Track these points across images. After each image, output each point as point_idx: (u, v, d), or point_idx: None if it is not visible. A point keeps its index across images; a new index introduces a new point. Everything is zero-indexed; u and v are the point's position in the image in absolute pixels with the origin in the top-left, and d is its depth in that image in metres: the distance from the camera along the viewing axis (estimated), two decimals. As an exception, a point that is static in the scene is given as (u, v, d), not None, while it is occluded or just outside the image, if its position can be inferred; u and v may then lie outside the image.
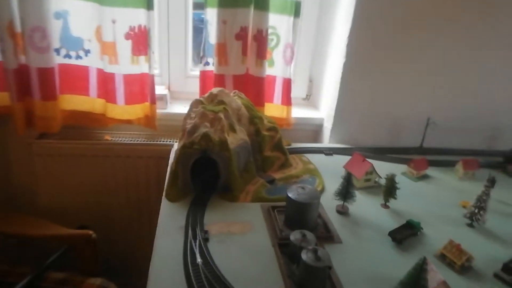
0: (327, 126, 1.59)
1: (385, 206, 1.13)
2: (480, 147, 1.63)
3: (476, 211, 1.06)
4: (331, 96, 1.55)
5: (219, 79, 1.42)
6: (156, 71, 1.61)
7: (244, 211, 1.07)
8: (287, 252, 0.90)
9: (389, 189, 1.10)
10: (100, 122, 1.47)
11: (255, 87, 1.45)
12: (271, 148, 1.29)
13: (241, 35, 1.37)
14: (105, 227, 1.58)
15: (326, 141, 1.59)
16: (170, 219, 1.02)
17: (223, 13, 1.33)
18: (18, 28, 1.27)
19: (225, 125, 1.13)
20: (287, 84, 1.51)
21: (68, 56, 1.39)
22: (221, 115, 1.13)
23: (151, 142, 1.49)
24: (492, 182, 1.06)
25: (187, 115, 1.20)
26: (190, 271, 0.82)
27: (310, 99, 1.76)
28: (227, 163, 1.10)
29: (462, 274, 0.90)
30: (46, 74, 1.32)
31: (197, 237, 0.93)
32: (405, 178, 1.33)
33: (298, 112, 1.65)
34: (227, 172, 1.11)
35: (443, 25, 1.41)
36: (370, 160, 1.38)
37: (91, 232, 1.31)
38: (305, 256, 0.78)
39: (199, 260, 0.85)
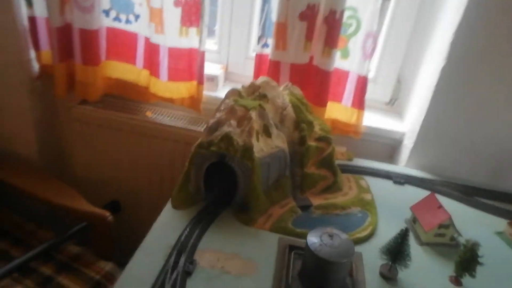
0: (407, 144, 1.22)
1: (456, 281, 0.79)
2: None
3: None
4: (420, 106, 1.18)
5: (274, 67, 1.16)
6: (214, 47, 1.42)
7: (255, 241, 0.83)
8: (283, 323, 0.64)
9: (466, 262, 0.75)
10: (144, 96, 1.33)
11: (318, 82, 1.16)
12: (317, 163, 1.01)
13: (307, 14, 1.07)
14: (134, 207, 1.49)
15: (403, 164, 1.24)
16: (164, 231, 0.83)
17: (288, -15, 1.06)
18: (65, -17, 1.16)
19: (254, 127, 0.88)
20: (363, 82, 1.18)
21: (118, 19, 1.26)
22: (252, 114, 0.89)
23: (191, 128, 1.31)
24: None
25: (218, 107, 0.97)
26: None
27: (395, 104, 1.39)
28: (248, 175, 0.87)
29: None
30: (88, 36, 1.21)
31: (178, 267, 0.72)
32: (500, 241, 0.93)
33: (374, 119, 1.31)
34: (247, 186, 0.88)
35: None
36: (455, 204, 1.03)
37: (108, 213, 1.20)
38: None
39: (163, 304, 0.65)
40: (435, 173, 1.18)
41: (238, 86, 1.00)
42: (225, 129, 0.87)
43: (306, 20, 1.08)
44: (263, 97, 0.97)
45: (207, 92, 1.31)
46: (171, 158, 1.36)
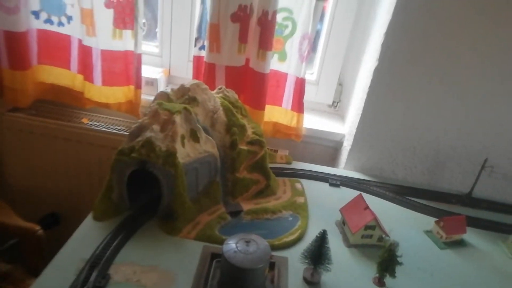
0: (346, 146, 1.23)
1: (379, 282, 0.78)
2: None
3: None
4: (356, 108, 1.19)
5: (210, 69, 1.14)
6: (155, 50, 1.38)
7: (177, 252, 0.80)
8: (193, 336, 0.61)
9: (385, 263, 0.75)
10: (79, 101, 1.28)
11: (255, 85, 1.15)
12: (249, 167, 0.99)
13: (240, 15, 1.06)
14: (75, 218, 1.41)
15: (342, 166, 1.24)
16: (80, 244, 0.79)
17: (220, -15, 1.04)
18: (-12, -18, 1.10)
19: (178, 131, 0.85)
20: (300, 85, 1.17)
21: (49, 21, 1.21)
22: (176, 118, 0.86)
23: (129, 133, 1.26)
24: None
25: (145, 111, 0.94)
26: None
27: (338, 107, 1.40)
28: (172, 182, 0.84)
29: None
30: (15, 39, 1.14)
31: (88, 283, 0.68)
32: (428, 240, 0.94)
33: (317, 122, 1.31)
34: (172, 193, 0.84)
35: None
36: (388, 204, 1.04)
37: (37, 227, 1.14)
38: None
39: (63, 324, 0.61)
40: (372, 174, 1.19)
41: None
42: (147, 134, 0.84)
43: (239, 22, 1.07)
44: (193, 100, 0.95)
45: (146, 97, 1.27)
46: (109, 165, 1.31)
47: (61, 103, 1.32)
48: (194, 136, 0.90)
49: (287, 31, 1.15)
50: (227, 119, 0.98)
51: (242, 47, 1.10)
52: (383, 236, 0.88)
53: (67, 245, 0.78)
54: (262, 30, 1.08)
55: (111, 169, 0.86)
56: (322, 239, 0.72)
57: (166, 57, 1.39)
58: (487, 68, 1.02)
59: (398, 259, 0.74)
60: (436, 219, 0.96)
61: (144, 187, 0.90)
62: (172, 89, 0.97)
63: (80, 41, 1.19)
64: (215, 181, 0.94)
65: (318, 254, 0.73)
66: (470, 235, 0.96)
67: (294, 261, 0.80)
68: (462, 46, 1.01)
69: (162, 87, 1.35)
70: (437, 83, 1.06)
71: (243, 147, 0.97)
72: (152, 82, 1.30)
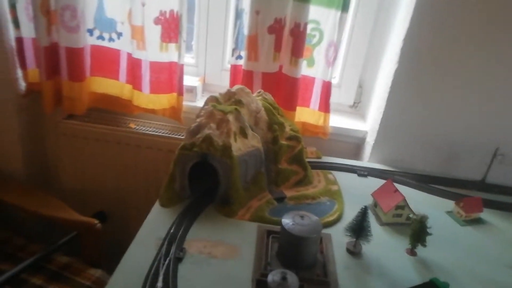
0: (370, 141, 1.37)
1: (411, 252, 0.91)
2: None
3: (534, 283, 0.79)
4: (378, 106, 1.33)
5: (248, 76, 1.28)
6: (191, 61, 1.53)
7: (237, 230, 0.93)
8: (264, 292, 0.74)
9: (417, 234, 0.88)
10: (127, 108, 1.42)
11: (287, 88, 1.29)
12: (289, 160, 1.13)
13: (275, 28, 1.21)
14: (121, 216, 1.56)
15: (366, 159, 1.38)
16: (154, 226, 0.92)
17: (257, 2, 1.19)
18: (52, 6, 1.25)
19: (232, 128, 0.99)
20: (327, 88, 1.31)
21: (101, 37, 1.36)
22: (230, 117, 1.00)
23: (173, 136, 1.41)
24: None
25: (199, 113, 1.08)
26: (143, 296, 0.71)
27: (358, 107, 1.54)
28: (228, 172, 0.97)
29: None
30: (74, 54, 1.29)
31: (170, 255, 0.82)
32: (450, 219, 1.07)
33: (340, 121, 1.45)
34: (228, 181, 0.98)
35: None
36: (411, 190, 1.17)
37: (96, 221, 1.27)
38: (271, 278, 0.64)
39: (159, 284, 0.74)
40: (394, 165, 1.32)
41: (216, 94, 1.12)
42: (206, 131, 0.98)
43: (274, 33, 1.21)
44: (239, 102, 1.09)
45: (186, 103, 1.42)
46: (155, 166, 1.45)
47: (111, 111, 1.47)
48: (243, 132, 1.04)
49: (314, 40, 1.29)
50: (269, 118, 1.12)
51: (277, 55, 1.25)
52: (411, 215, 1.01)
53: (143, 227, 0.91)
54: (294, 39, 1.22)
55: (174, 162, 1.00)
56: (363, 213, 0.85)
57: (201, 66, 1.54)
58: (495, 67, 1.16)
59: (428, 230, 0.87)
60: (455, 201, 1.09)
61: (200, 179, 1.04)
62: (220, 94, 1.12)
63: (129, 54, 1.34)
64: (261, 171, 1.08)
65: (360, 228, 0.86)
66: (486, 215, 1.09)
67: (337, 237, 0.93)
68: (471, 48, 1.15)
69: (200, 94, 1.50)
70: (451, 82, 1.20)
71: (283, 142, 1.11)
72: (191, 90, 1.45)
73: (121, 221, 1.57)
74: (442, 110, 1.24)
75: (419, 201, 1.13)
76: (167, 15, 1.27)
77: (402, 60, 1.19)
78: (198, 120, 1.03)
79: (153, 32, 1.28)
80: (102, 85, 1.42)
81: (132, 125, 1.46)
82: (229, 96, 1.11)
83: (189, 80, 1.46)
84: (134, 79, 1.36)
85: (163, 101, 1.40)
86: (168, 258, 0.81)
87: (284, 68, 1.28)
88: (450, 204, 1.12)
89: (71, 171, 1.49)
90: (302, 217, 0.83)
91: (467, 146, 1.26)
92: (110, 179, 1.50)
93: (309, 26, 1.24)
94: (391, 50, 1.27)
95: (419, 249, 0.91)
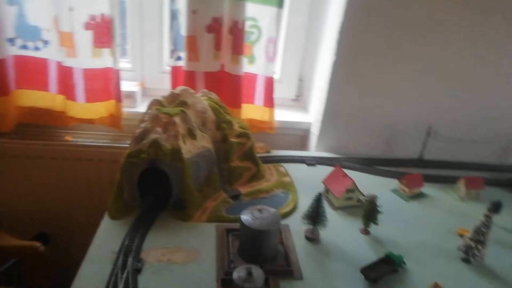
0: (314, 132, 1.41)
1: (365, 231, 0.96)
2: (491, 160, 1.42)
3: (473, 244, 0.87)
4: (320, 98, 1.37)
5: (190, 76, 1.26)
6: (128, 66, 1.47)
7: (195, 233, 0.91)
8: (231, 291, 0.74)
9: (369, 213, 0.92)
10: (61, 120, 1.33)
11: (231, 86, 1.29)
12: (240, 157, 1.13)
13: (214, 26, 1.20)
14: (65, 235, 1.45)
15: (313, 149, 1.42)
16: (106, 240, 0.87)
17: (193, 1, 1.17)
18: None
19: (179, 130, 0.97)
20: (270, 83, 1.33)
21: (24, 47, 1.25)
22: (176, 119, 0.97)
23: (115, 145, 1.34)
24: (495, 208, 0.87)
25: (142, 118, 1.04)
26: (104, 313, 0.67)
27: (300, 100, 1.58)
28: (180, 175, 0.95)
29: (447, 329, 0.72)
30: (-6, 66, 1.18)
31: (127, 267, 0.78)
32: (395, 196, 1.14)
33: (284, 115, 1.48)
34: (180, 185, 0.96)
35: (444, 21, 1.21)
36: (358, 174, 1.22)
37: (38, 244, 1.18)
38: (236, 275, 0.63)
39: (119, 299, 0.70)
40: (339, 152, 1.38)
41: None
42: (152, 136, 0.95)
43: (213, 32, 1.21)
44: (184, 104, 1.06)
45: (126, 109, 1.36)
46: (98, 178, 1.37)
47: (42, 125, 1.36)
48: (191, 134, 1.02)
49: (253, 37, 1.31)
50: (216, 117, 1.11)
51: (218, 54, 1.24)
52: (360, 197, 1.06)
53: (94, 242, 0.86)
54: (234, 37, 1.22)
55: (120, 171, 0.95)
56: (318, 200, 0.87)
57: (138, 71, 1.48)
58: (425, 52, 1.25)
59: (378, 208, 0.92)
60: (398, 179, 1.16)
61: (149, 185, 1.00)
62: (163, 96, 1.08)
63: (59, 63, 1.25)
64: (213, 171, 1.06)
65: (316, 214, 0.88)
66: (427, 189, 1.18)
67: (295, 226, 0.95)
68: (403, 36, 1.23)
69: (139, 99, 1.44)
70: (386, 69, 1.28)
71: (233, 139, 1.11)
72: (130, 95, 1.39)
73: (65, 240, 1.47)
74: (379, 96, 1.32)
75: (365, 183, 1.17)
76: (98, 19, 1.21)
77: (339, 52, 1.24)
78: (142, 125, 0.99)
79: (84, 38, 1.21)
80: (30, 98, 1.31)
81: (69, 138, 1.36)
82: (173, 98, 1.08)
83: (127, 86, 1.40)
84: (66, 88, 1.27)
85: (100, 109, 1.32)
86: (125, 271, 0.77)
87: (226, 66, 1.28)
88: (393, 183, 1.19)
89: (3, 194, 1.36)
90: (260, 210, 0.83)
91: (403, 127, 1.35)
92: (49, 197, 1.39)
93: (247, 24, 1.25)
94: (328, 43, 1.32)
95: (372, 228, 0.95)
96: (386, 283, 0.81)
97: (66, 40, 1.20)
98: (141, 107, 1.42)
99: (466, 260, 0.89)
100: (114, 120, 1.34)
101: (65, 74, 1.25)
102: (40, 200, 1.39)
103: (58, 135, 1.36)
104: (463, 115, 1.36)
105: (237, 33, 1.22)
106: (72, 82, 1.25)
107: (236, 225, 0.91)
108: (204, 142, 1.04)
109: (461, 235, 0.96)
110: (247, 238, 0.82)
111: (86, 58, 1.24)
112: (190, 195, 0.97)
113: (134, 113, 1.38)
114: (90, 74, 1.26)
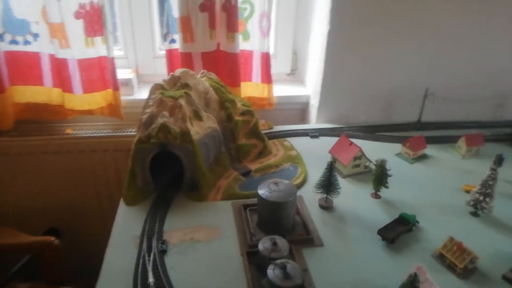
0: (314, 104, 1.42)
1: (376, 195, 0.99)
2: (486, 117, 1.46)
3: (481, 198, 0.91)
4: (316, 70, 1.38)
5: (186, 58, 1.25)
6: (120, 53, 1.45)
7: (213, 212, 0.93)
8: (256, 262, 0.76)
9: (379, 178, 0.95)
10: (59, 114, 1.32)
11: (228, 65, 1.29)
12: (246, 134, 1.14)
13: (206, 5, 1.18)
14: (75, 228, 1.46)
15: (314, 121, 1.43)
16: (126, 227, 0.88)
17: (184, -18, 1.15)
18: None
19: (186, 112, 0.97)
20: (266, 59, 1.33)
21: (14, 41, 1.22)
22: (182, 102, 0.98)
23: (118, 134, 1.34)
24: (499, 162, 0.91)
25: (146, 103, 1.04)
26: (139, 294, 0.69)
27: (295, 74, 1.58)
28: (191, 157, 0.96)
29: (465, 278, 0.76)
30: (-15, 63, 1.16)
31: (152, 249, 0.80)
32: (400, 159, 1.17)
33: (282, 90, 1.48)
34: (193, 167, 0.97)
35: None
36: (361, 141, 1.24)
37: (53, 238, 1.19)
38: (272, 273, 0.65)
39: (150, 280, 0.72)
40: (341, 122, 1.40)
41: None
42: (160, 120, 0.95)
43: (207, 11, 1.19)
44: (185, 86, 1.06)
45: (124, 97, 1.35)
46: (104, 168, 1.37)
47: (41, 120, 1.34)
48: (197, 116, 1.02)
49: (246, 13, 1.29)
50: (219, 97, 1.11)
51: (213, 33, 1.23)
52: (367, 164, 1.09)
53: (114, 230, 0.87)
54: (228, 14, 1.21)
55: (132, 158, 0.96)
56: (330, 169, 0.90)
57: (131, 57, 1.46)
58: (416, 18, 1.26)
59: (388, 172, 0.94)
60: (402, 143, 1.19)
61: (161, 170, 1.01)
62: (164, 80, 1.08)
63: (52, 55, 1.23)
64: (222, 151, 1.07)
65: (329, 183, 0.91)
66: (429, 150, 1.21)
67: (307, 197, 0.97)
68: (393, 5, 1.23)
69: (136, 86, 1.43)
70: (382, 34, 1.28)
71: (238, 118, 1.12)
72: (127, 83, 1.38)
73: (76, 233, 1.47)
74: (377, 62, 1.33)
75: (370, 150, 1.20)
76: (88, 7, 1.18)
77: (333, 20, 1.24)
78: (148, 110, 0.99)
79: (76, 28, 1.19)
80: (26, 94, 1.29)
81: (70, 131, 1.35)
82: (175, 81, 1.07)
83: (121, 73, 1.38)
84: (62, 81, 1.26)
85: (98, 99, 1.31)
86: (152, 253, 0.79)
87: (222, 45, 1.27)
88: (396, 147, 1.21)
89: (10, 192, 1.35)
90: (276, 183, 0.85)
91: (401, 92, 1.37)
92: (57, 192, 1.39)
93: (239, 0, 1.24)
94: (320, 13, 1.31)
95: (382, 192, 0.98)
96: (402, 242, 0.84)
97: (57, 31, 1.18)
98: (139, 94, 1.41)
99: (474, 214, 0.93)
100: (113, 109, 1.33)
101: (60, 66, 1.23)
102: (47, 195, 1.39)
103: (59, 129, 1.35)
104: (458, 76, 1.38)
105: (231, 10, 1.21)
106: (68, 74, 1.24)
107: (251, 201, 0.93)
108: (210, 123, 1.05)
109: (467, 191, 1.00)
110: (266, 211, 0.84)
111: (79, 48, 1.22)
112: (202, 176, 0.98)
113: (132, 100, 1.37)
114: (85, 64, 1.24)
